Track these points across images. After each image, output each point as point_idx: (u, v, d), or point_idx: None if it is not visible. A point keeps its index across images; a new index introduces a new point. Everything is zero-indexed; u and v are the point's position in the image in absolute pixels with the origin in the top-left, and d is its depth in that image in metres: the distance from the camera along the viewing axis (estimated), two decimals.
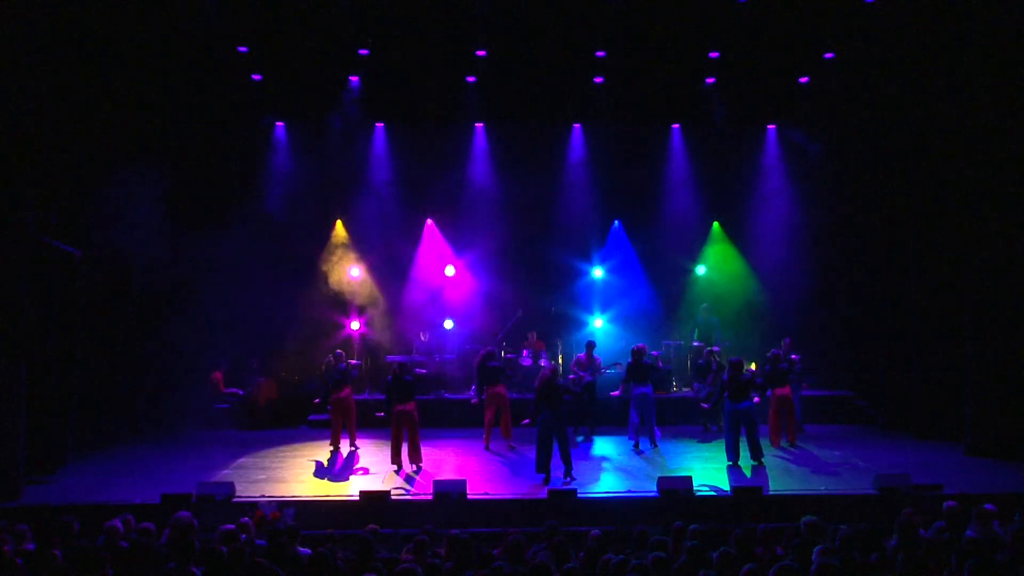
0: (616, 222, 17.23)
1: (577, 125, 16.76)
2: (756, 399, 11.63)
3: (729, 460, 11.40)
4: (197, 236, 14.28)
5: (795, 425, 12.94)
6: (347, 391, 12.71)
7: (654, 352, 14.93)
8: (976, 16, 11.81)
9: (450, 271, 16.83)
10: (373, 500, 9.61)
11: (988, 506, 7.30)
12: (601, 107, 15.48)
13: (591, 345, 13.85)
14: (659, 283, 17.01)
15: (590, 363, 13.67)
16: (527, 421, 12.37)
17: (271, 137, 16.14)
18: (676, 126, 16.87)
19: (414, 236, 17.00)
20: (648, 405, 12.53)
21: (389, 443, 11.57)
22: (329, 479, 11.16)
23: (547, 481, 10.53)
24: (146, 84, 13.07)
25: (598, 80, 15.22)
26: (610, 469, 11.48)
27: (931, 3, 12.43)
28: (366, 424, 13.33)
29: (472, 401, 13.65)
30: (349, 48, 14.15)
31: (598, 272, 17.03)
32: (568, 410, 11.74)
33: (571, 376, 13.57)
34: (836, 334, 16.00)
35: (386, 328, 16.46)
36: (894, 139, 14.03)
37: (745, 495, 9.80)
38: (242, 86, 14.79)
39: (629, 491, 10.17)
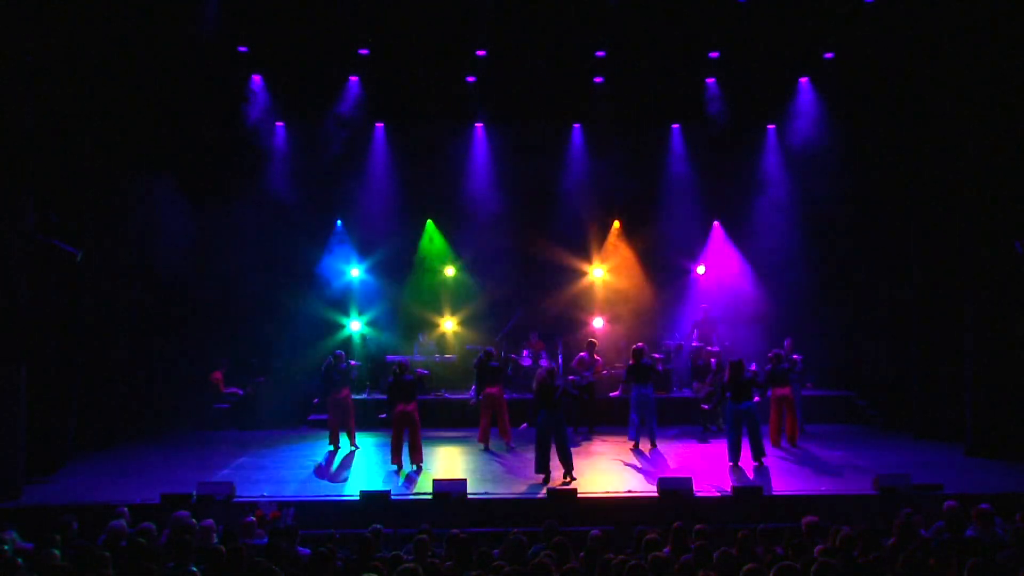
0: (616, 222, 17.21)
1: (577, 125, 16.70)
2: (757, 399, 11.65)
3: (730, 460, 11.40)
4: (196, 235, 14.29)
5: (796, 425, 12.95)
6: (346, 391, 12.73)
7: (656, 355, 14.93)
8: (976, 15, 11.80)
9: (450, 271, 16.82)
10: (373, 500, 9.61)
11: (984, 506, 7.32)
12: (601, 107, 15.45)
13: (592, 345, 13.89)
14: (659, 283, 17.00)
15: (592, 363, 13.76)
16: (524, 426, 12.38)
17: (271, 136, 16.11)
18: (676, 126, 16.84)
19: (414, 236, 16.99)
20: (648, 405, 12.53)
21: (389, 443, 11.57)
22: (329, 479, 11.16)
23: (547, 481, 10.54)
24: (146, 84, 13.05)
25: (598, 80, 15.20)
26: (610, 469, 11.47)
27: (931, 3, 12.42)
28: (366, 424, 13.33)
29: (471, 402, 13.65)
30: (349, 48, 14.14)
31: (599, 272, 17.02)
32: (568, 410, 11.75)
33: (571, 377, 13.60)
34: (836, 334, 15.98)
35: (386, 328, 16.46)
36: (894, 140, 14.02)
37: (745, 495, 9.81)
38: (242, 86, 14.78)
39: (629, 491, 10.16)
